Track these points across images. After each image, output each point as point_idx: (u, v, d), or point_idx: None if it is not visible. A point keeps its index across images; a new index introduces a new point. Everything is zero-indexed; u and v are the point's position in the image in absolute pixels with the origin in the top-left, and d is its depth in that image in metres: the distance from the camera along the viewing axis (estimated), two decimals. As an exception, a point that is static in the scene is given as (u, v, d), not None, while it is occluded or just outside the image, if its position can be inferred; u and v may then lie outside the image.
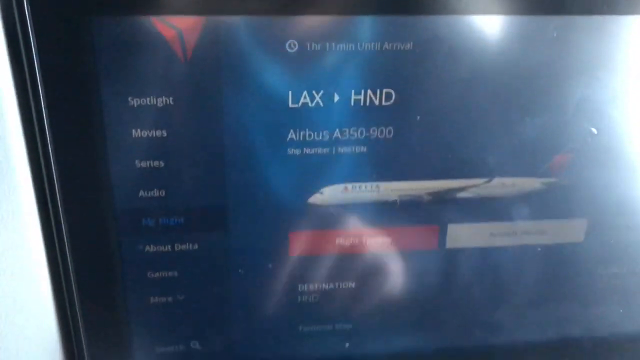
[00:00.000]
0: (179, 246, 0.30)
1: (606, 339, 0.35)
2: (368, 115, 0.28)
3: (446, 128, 0.29)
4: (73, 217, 0.29)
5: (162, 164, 0.28)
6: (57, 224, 0.29)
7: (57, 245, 0.29)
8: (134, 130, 0.27)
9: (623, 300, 0.34)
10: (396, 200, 0.31)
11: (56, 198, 0.28)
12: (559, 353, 0.35)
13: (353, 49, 0.27)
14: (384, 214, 0.31)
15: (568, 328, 0.34)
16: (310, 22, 0.26)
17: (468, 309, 0.33)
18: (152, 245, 0.30)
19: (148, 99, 0.27)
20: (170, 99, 0.27)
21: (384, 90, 0.28)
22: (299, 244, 0.31)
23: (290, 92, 0.27)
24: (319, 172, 0.29)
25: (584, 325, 0.34)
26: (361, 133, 0.29)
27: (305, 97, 0.28)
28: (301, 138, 0.29)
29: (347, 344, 0.33)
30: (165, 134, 0.28)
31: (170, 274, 0.31)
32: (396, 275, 0.32)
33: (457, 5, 0.27)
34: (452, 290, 0.33)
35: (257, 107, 0.28)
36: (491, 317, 0.34)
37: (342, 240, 0.31)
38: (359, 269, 0.32)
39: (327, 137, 0.29)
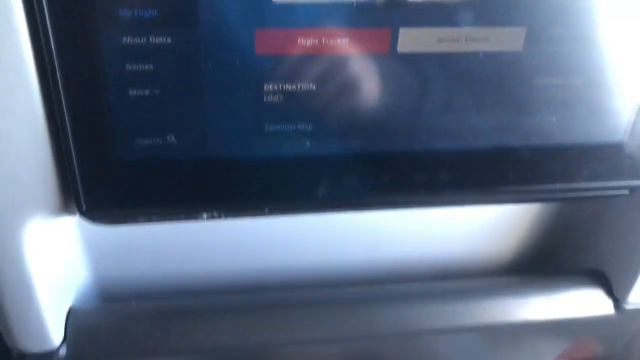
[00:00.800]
0: (154, 39, 0.33)
1: (541, 147, 0.39)
2: None
3: None
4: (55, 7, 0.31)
5: (135, -48, 0.31)
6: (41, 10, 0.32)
7: (41, 33, 0.32)
8: None
9: (558, 111, 0.38)
10: (353, 2, 0.33)
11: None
12: (496, 159, 0.39)
13: None
14: (342, 15, 0.34)
15: (506, 136, 0.38)
16: None
17: (414, 114, 0.37)
18: (129, 37, 0.33)
19: None
20: None
21: None
22: (264, 41, 0.34)
23: None
24: (282, -32, 0.32)
25: (520, 133, 0.38)
26: None
27: None
28: None
29: (307, 143, 0.37)
30: None
31: (147, 67, 0.34)
32: (352, 78, 0.36)
33: None
34: (401, 94, 0.37)
35: None
36: (436, 122, 0.37)
37: (303, 40, 0.34)
38: (319, 71, 0.35)
39: None
